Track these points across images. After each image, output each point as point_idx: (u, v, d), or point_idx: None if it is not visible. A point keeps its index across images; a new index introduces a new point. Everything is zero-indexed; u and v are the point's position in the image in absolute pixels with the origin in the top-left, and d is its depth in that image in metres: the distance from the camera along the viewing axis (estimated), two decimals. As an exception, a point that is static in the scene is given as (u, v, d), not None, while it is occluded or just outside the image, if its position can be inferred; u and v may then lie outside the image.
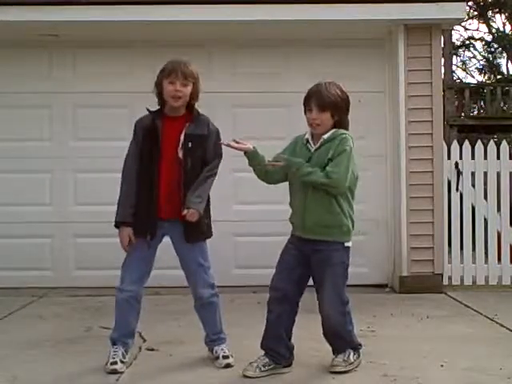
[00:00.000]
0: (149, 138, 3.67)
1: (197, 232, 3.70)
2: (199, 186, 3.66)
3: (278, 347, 3.61)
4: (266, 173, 3.61)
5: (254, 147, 3.56)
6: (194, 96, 3.70)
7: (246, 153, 3.56)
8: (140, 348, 4.11)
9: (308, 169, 3.48)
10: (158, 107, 3.77)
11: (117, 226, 3.74)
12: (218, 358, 3.75)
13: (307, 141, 3.62)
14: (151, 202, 3.62)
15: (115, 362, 3.64)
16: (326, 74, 6.50)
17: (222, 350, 3.78)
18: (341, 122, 3.59)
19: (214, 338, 3.84)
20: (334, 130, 3.56)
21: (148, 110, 3.77)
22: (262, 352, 3.63)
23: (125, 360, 3.70)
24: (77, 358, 3.93)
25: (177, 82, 3.61)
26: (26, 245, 6.31)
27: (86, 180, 6.36)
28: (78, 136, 6.42)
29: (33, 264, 6.31)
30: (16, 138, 6.36)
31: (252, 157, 3.56)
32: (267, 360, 3.58)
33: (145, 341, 4.25)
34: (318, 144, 3.57)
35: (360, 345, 3.73)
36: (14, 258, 6.28)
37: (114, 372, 3.60)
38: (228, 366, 3.68)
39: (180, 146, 3.64)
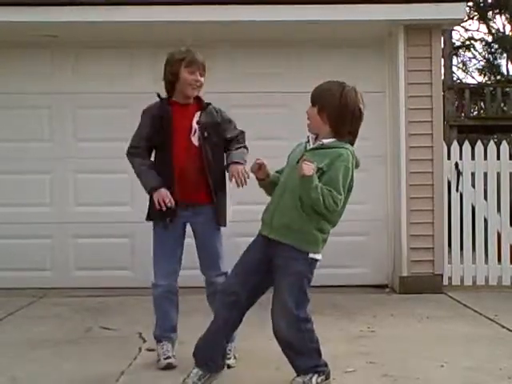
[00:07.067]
0: (160, 123, 3.69)
1: (224, 216, 3.78)
2: (238, 151, 3.76)
3: (216, 357, 3.28)
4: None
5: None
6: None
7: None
8: (140, 348, 4.11)
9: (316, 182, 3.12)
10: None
11: (150, 192, 3.69)
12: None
13: (308, 138, 3.34)
14: (168, 187, 3.63)
15: (169, 357, 3.66)
16: (326, 74, 6.52)
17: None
18: (338, 130, 3.22)
19: None
20: (335, 140, 3.22)
21: (159, 96, 3.80)
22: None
23: (173, 354, 3.70)
24: (77, 359, 3.93)
25: (197, 72, 3.70)
26: (26, 245, 6.30)
27: (86, 180, 6.36)
28: (79, 136, 6.42)
29: (33, 264, 6.30)
30: (16, 139, 6.35)
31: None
32: (201, 372, 3.26)
33: (145, 341, 4.25)
34: (315, 145, 3.27)
35: (326, 365, 3.29)
36: (14, 258, 6.27)
37: (170, 367, 3.61)
38: (228, 366, 3.65)
39: (192, 133, 3.67)
